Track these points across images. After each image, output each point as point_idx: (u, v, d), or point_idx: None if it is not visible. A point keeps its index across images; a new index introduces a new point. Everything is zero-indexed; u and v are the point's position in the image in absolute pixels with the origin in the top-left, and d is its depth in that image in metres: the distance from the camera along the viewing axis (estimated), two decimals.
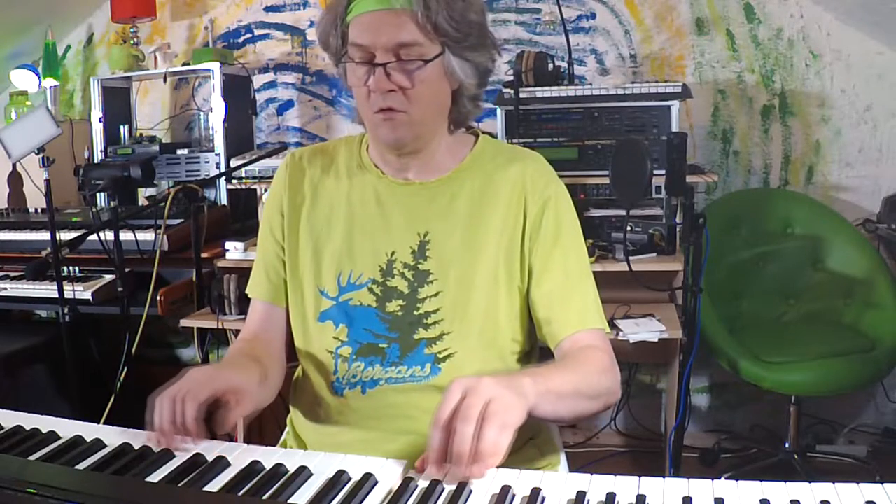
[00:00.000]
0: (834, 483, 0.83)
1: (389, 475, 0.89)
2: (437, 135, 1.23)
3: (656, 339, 2.30)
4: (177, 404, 0.96)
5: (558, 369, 1.10)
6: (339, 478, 0.87)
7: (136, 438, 0.97)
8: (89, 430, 1.00)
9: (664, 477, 0.86)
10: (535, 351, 1.32)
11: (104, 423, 1.04)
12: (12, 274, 2.79)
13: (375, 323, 1.22)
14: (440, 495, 0.84)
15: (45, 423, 1.02)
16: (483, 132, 1.33)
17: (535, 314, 1.24)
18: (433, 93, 1.17)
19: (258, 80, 3.32)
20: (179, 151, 3.10)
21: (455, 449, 0.86)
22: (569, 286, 1.22)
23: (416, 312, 1.21)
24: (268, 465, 0.90)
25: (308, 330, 1.27)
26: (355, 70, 1.15)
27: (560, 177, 1.29)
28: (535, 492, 0.84)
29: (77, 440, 0.97)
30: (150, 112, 3.46)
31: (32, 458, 0.93)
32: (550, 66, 2.73)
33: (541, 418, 0.99)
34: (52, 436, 0.99)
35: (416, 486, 0.86)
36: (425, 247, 1.23)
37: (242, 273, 1.33)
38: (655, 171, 2.22)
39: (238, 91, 3.13)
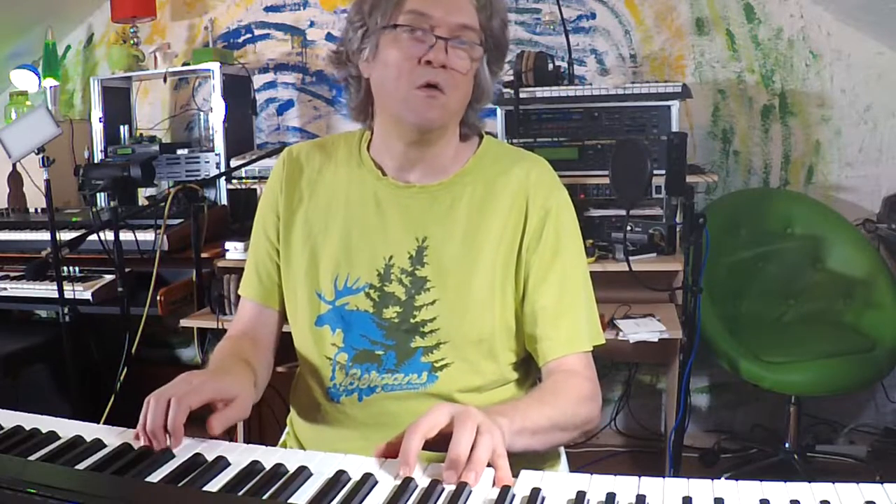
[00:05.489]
0: (834, 483, 0.83)
1: (389, 475, 0.89)
2: (449, 132, 1.22)
3: (656, 339, 2.30)
4: (170, 407, 0.95)
5: (536, 404, 1.09)
6: (339, 478, 0.87)
7: (134, 439, 0.97)
8: (89, 430, 1.00)
9: (664, 477, 0.86)
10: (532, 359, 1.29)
11: (104, 423, 1.03)
12: (12, 274, 2.80)
13: (372, 329, 1.21)
14: (440, 495, 0.84)
15: (45, 423, 1.02)
16: (486, 133, 1.32)
17: (524, 328, 1.22)
18: (468, 87, 1.17)
19: (258, 80, 3.32)
20: (179, 151, 3.10)
21: (453, 455, 0.86)
22: (562, 306, 1.19)
23: (412, 320, 1.19)
24: (268, 465, 0.90)
25: (305, 334, 1.25)
26: (403, 38, 1.12)
27: (560, 177, 1.27)
28: (535, 492, 0.84)
29: (77, 440, 0.97)
30: (150, 112, 3.46)
31: (32, 458, 0.92)
32: (550, 66, 2.74)
33: (514, 452, 0.99)
34: (52, 436, 0.98)
35: (416, 486, 0.86)
36: (423, 252, 1.20)
37: (242, 273, 1.34)
38: (655, 171, 2.22)
39: (238, 91, 3.13)
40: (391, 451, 0.92)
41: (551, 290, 1.20)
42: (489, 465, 0.89)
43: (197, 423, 0.99)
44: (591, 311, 1.24)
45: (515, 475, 0.89)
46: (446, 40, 1.11)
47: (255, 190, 2.91)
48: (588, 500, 0.83)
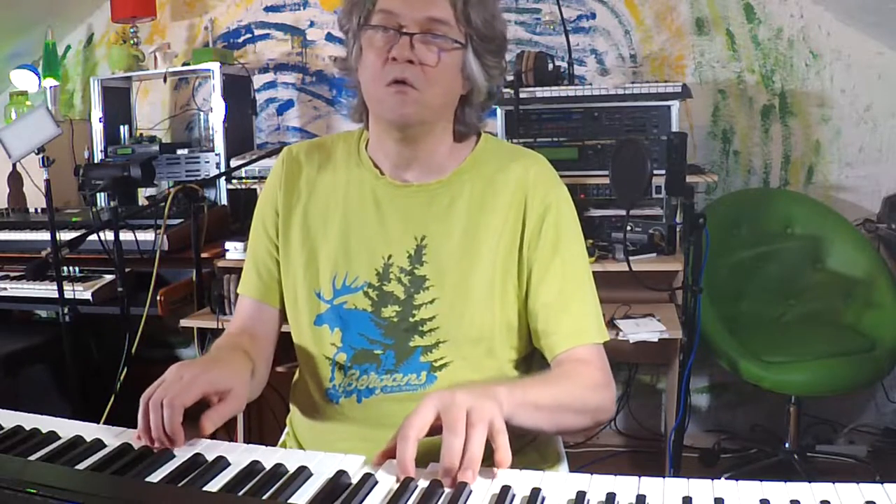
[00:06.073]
0: (834, 483, 0.83)
1: (389, 475, 0.89)
2: (438, 130, 1.20)
3: (656, 339, 2.30)
4: (164, 411, 0.95)
5: (539, 382, 1.09)
6: (339, 478, 0.87)
7: (135, 439, 0.97)
8: (89, 430, 1.00)
9: (664, 477, 0.86)
10: (535, 355, 1.29)
11: (104, 423, 1.03)
12: (12, 274, 2.80)
13: (370, 328, 1.20)
14: (440, 495, 0.84)
15: (45, 423, 1.02)
16: (484, 132, 1.32)
17: (531, 325, 1.22)
18: (448, 81, 1.16)
19: (258, 80, 3.32)
20: (179, 151, 3.10)
21: (446, 463, 0.86)
22: (566, 299, 1.19)
23: (411, 319, 1.19)
24: (268, 465, 0.90)
25: (305, 334, 1.25)
26: (376, 38, 1.12)
27: (560, 177, 1.27)
28: (535, 492, 0.84)
29: (77, 440, 0.97)
30: (150, 112, 3.46)
31: (32, 458, 0.92)
32: (550, 66, 2.74)
33: (521, 428, 0.99)
34: (52, 436, 0.98)
35: (416, 486, 0.86)
36: (422, 251, 1.20)
37: (242, 273, 1.35)
38: (655, 171, 2.22)
39: (238, 91, 3.13)
40: (389, 454, 0.92)
41: (554, 285, 1.19)
42: (487, 441, 0.88)
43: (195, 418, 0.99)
44: (595, 305, 1.24)
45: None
46: (411, 35, 1.10)
47: (255, 190, 2.91)
48: (588, 500, 0.83)
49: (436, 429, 0.90)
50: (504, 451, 0.89)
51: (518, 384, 1.03)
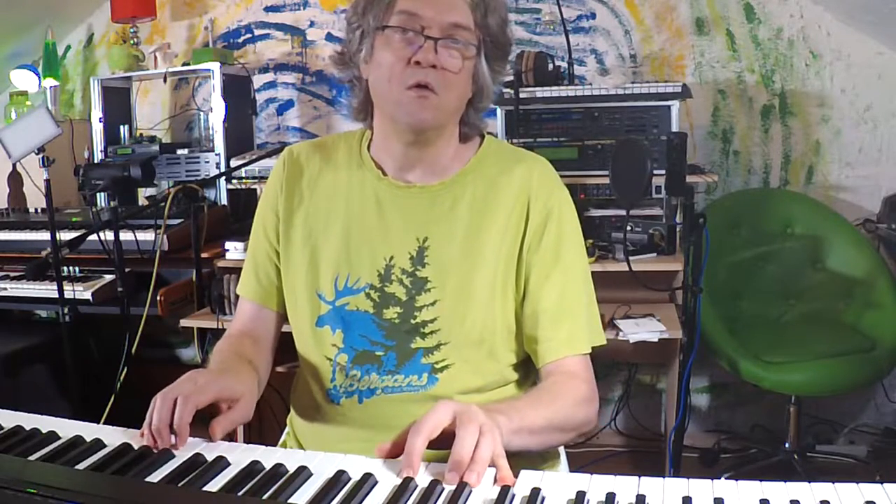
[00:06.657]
0: (834, 483, 0.83)
1: (389, 475, 0.89)
2: (448, 133, 1.21)
3: (656, 339, 2.30)
4: (176, 406, 0.95)
5: (533, 404, 1.09)
6: (339, 478, 0.87)
7: (136, 438, 0.97)
8: (89, 430, 1.00)
9: (664, 477, 0.86)
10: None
11: (104, 423, 1.03)
12: (12, 274, 2.80)
13: (372, 329, 1.20)
14: (440, 495, 0.84)
15: (45, 423, 1.02)
16: (487, 133, 1.31)
17: (524, 329, 1.22)
18: (464, 86, 1.16)
19: (258, 80, 3.32)
20: (179, 151, 3.10)
21: (456, 456, 0.87)
22: (563, 308, 1.19)
23: (413, 321, 1.19)
24: (268, 465, 0.90)
25: (306, 335, 1.25)
26: (394, 39, 1.12)
27: (560, 177, 1.27)
28: (535, 492, 0.84)
29: (77, 440, 0.97)
30: (150, 112, 3.46)
31: (32, 458, 0.92)
32: (550, 66, 2.74)
33: (510, 451, 0.99)
34: (52, 436, 0.98)
35: (416, 486, 0.86)
36: (424, 253, 1.20)
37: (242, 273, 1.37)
38: (655, 171, 2.22)
39: (238, 91, 3.13)
40: (396, 451, 0.92)
41: (553, 291, 1.20)
42: (490, 465, 0.89)
43: (201, 422, 0.99)
44: (592, 311, 1.24)
45: (515, 475, 0.89)
46: (436, 40, 1.10)
47: (255, 190, 2.91)
48: (588, 500, 0.83)
49: (445, 437, 0.90)
50: (506, 471, 0.89)
51: (514, 410, 1.03)
